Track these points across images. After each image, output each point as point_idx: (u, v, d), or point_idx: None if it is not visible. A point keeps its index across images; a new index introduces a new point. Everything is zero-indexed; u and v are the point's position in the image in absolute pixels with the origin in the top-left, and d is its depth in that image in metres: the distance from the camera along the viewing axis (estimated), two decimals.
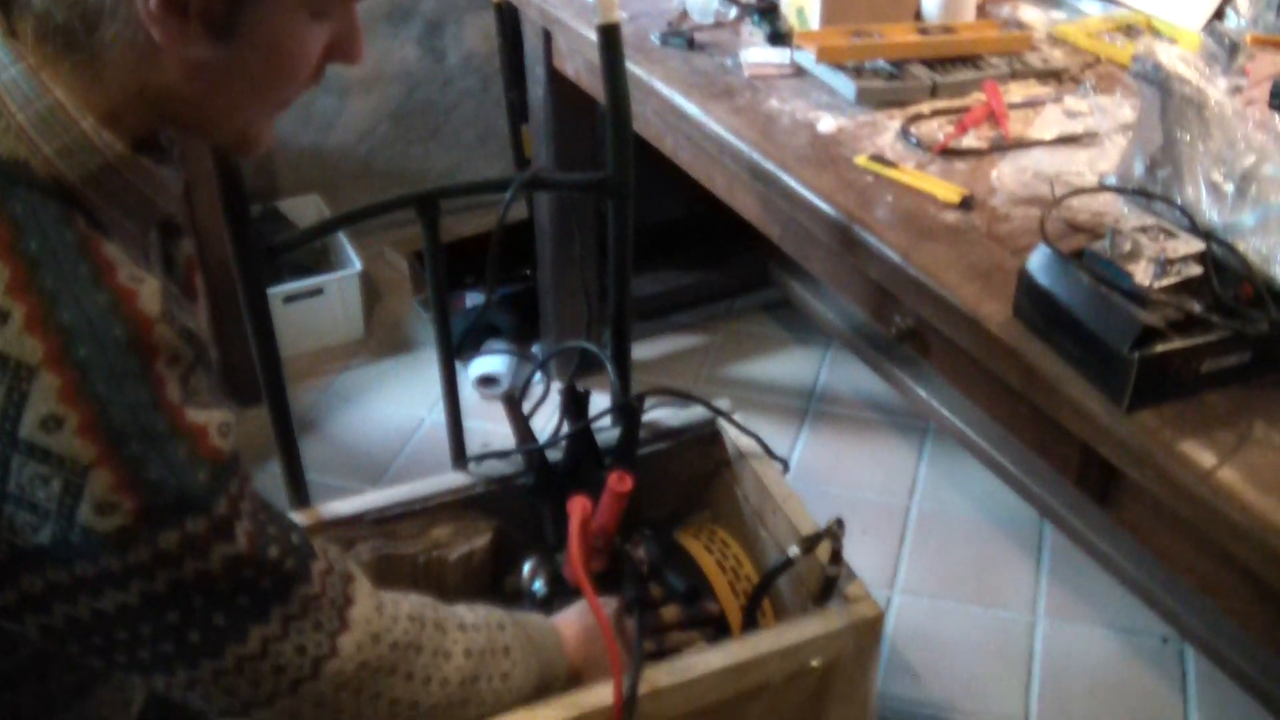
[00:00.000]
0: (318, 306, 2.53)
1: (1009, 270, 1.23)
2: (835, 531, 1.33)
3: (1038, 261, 1.13)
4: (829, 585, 1.35)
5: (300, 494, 1.48)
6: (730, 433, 1.59)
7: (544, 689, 1.17)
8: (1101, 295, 1.06)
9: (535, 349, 2.57)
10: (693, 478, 1.65)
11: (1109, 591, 1.96)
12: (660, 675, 1.27)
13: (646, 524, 1.61)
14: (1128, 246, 1.09)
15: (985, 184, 1.40)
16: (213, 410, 0.85)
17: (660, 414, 1.62)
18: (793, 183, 1.45)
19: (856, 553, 2.08)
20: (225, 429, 0.85)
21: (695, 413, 1.62)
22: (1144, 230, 1.10)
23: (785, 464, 1.57)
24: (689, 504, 1.68)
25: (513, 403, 1.52)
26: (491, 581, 1.56)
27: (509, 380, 2.47)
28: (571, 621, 1.27)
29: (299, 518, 1.46)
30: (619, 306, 1.51)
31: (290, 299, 2.49)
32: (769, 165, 1.49)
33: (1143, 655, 1.90)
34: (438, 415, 2.36)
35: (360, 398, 2.48)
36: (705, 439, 1.63)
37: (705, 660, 1.28)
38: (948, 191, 1.37)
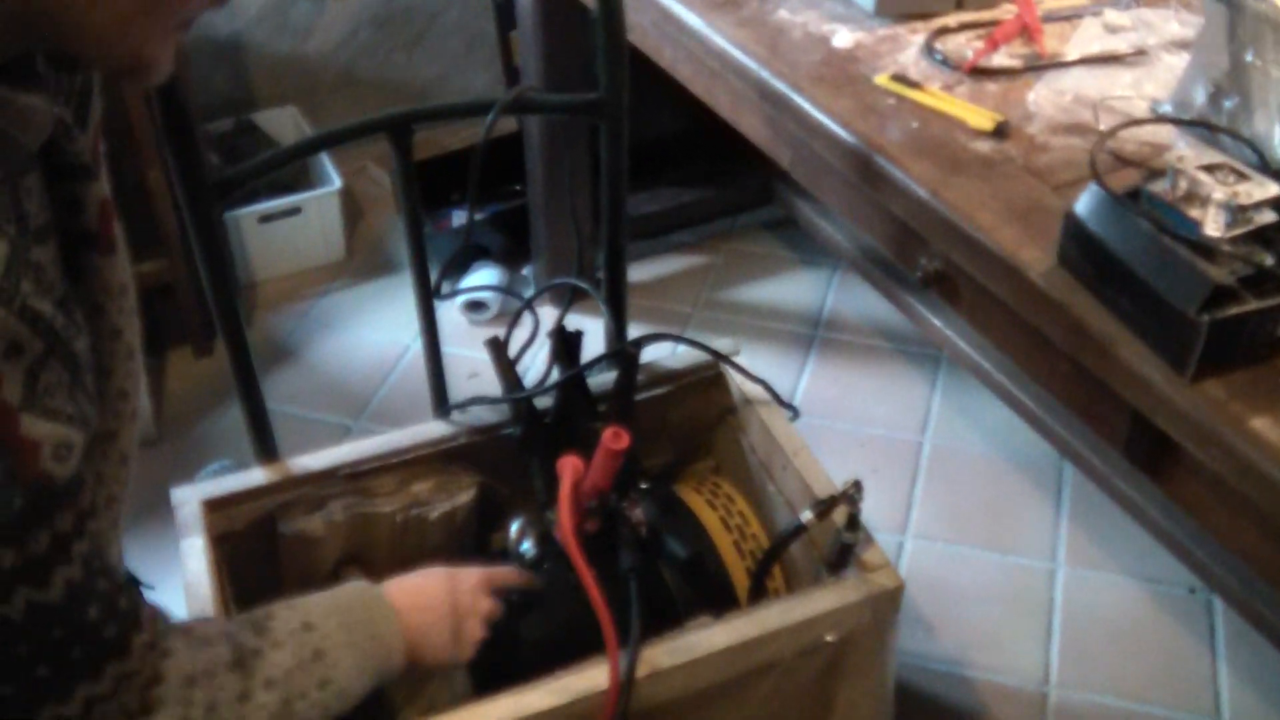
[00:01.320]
0: (296, 226, 2.38)
1: (1050, 210, 1.09)
2: (852, 495, 1.21)
3: (1088, 204, 0.99)
4: (844, 552, 1.24)
5: (266, 445, 1.35)
6: (735, 375, 1.47)
7: (380, 670, 1.02)
8: (1165, 247, 0.92)
9: (526, 271, 2.44)
10: (694, 423, 1.53)
11: (1133, 537, 1.85)
12: (660, 655, 1.16)
13: (644, 474, 1.49)
14: (1191, 188, 0.96)
15: (1020, 108, 1.26)
16: (58, 424, 0.70)
17: (659, 353, 1.49)
18: (805, 105, 1.30)
19: (866, 495, 1.97)
20: (64, 451, 0.71)
21: (697, 353, 1.49)
22: (1211, 170, 0.96)
23: (795, 410, 1.45)
24: (690, 451, 1.57)
25: (497, 347, 1.40)
26: (476, 540, 1.45)
27: (498, 305, 2.34)
28: (401, 583, 1.10)
29: (267, 473, 1.34)
30: (613, 242, 1.37)
31: (266, 219, 2.34)
32: (779, 85, 1.34)
33: (1168, 606, 1.79)
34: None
35: (341, 323, 2.35)
36: (708, 382, 1.51)
37: (709, 638, 1.17)
38: (979, 117, 1.22)
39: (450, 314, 2.33)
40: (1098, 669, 1.71)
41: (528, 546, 1.33)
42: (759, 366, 2.28)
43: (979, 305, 1.14)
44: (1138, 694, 1.68)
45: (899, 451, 2.06)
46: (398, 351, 2.29)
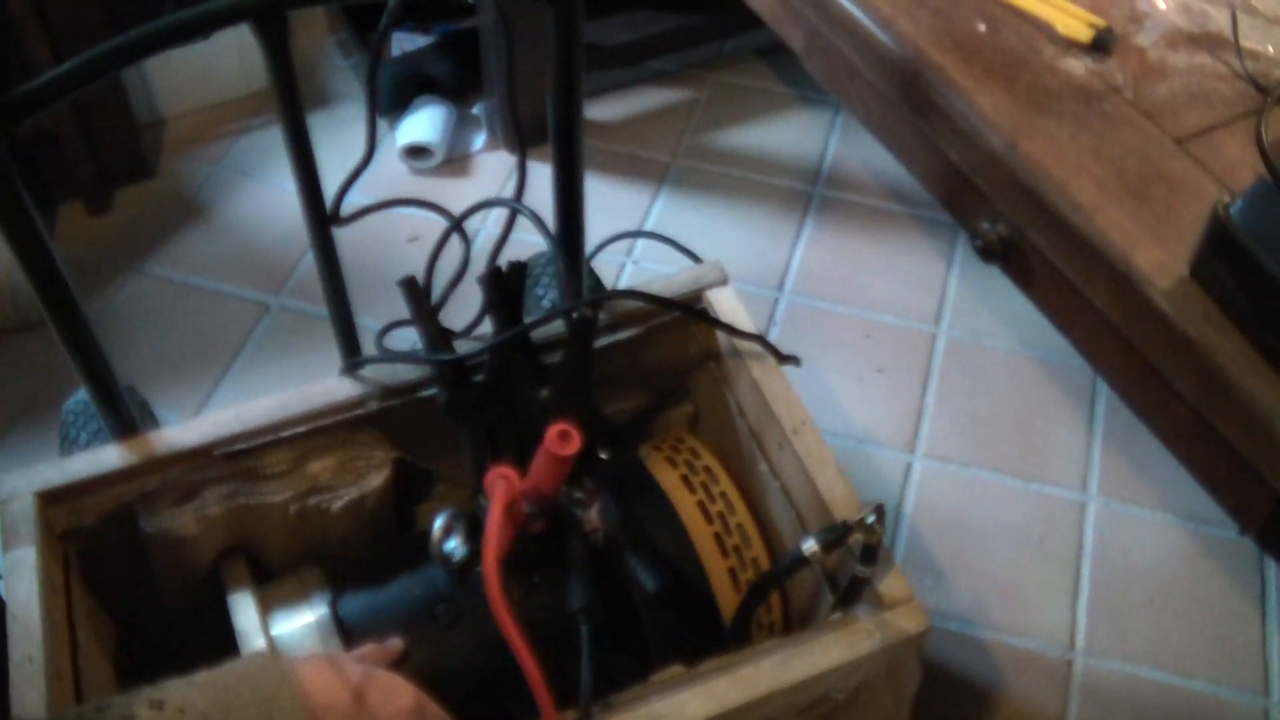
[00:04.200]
0: (207, 52, 2.01)
1: (1174, 178, 0.78)
2: (872, 526, 0.93)
3: (1252, 208, 0.68)
4: (857, 585, 0.97)
5: (119, 418, 1.05)
6: (721, 312, 1.16)
7: None
8: None
9: (477, 109, 2.08)
10: (670, 364, 1.24)
11: (1175, 466, 1.58)
12: None
13: (605, 430, 1.21)
14: None
15: (1126, 6, 0.92)
16: None
17: (617, 254, 1.19)
18: None
19: (870, 400, 1.69)
20: None
21: (675, 283, 1.19)
22: None
23: (796, 360, 1.16)
24: (664, 395, 1.27)
25: (414, 291, 1.09)
26: (395, 521, 1.17)
27: (444, 150, 2.00)
28: (318, 669, 0.83)
29: (122, 453, 1.04)
30: (566, 159, 1.04)
31: None
32: None
33: (1215, 552, 1.54)
34: (358, 195, 1.90)
35: (263, 170, 2.01)
36: (687, 320, 1.20)
37: (679, 707, 0.91)
38: (1071, 20, 0.89)
39: (389, 162, 1.99)
40: (1131, 632, 1.47)
41: (454, 545, 1.05)
42: (748, 232, 1.99)
43: (1061, 300, 0.83)
44: (1176, 664, 1.44)
45: (909, 345, 1.77)
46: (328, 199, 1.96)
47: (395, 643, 1.00)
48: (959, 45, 0.88)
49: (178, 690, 0.74)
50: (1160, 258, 0.74)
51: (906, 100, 0.89)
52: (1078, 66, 0.87)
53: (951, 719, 1.41)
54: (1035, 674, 1.44)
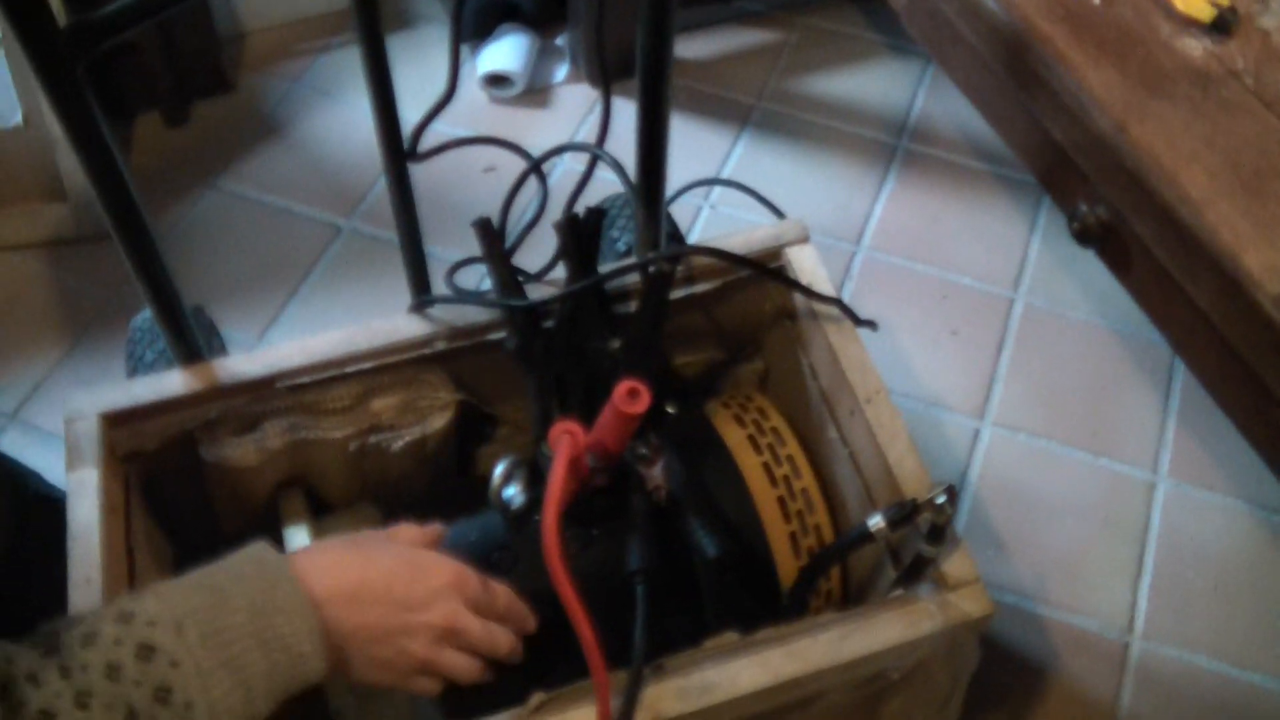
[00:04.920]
0: None
1: None
2: (942, 507, 0.91)
3: None
4: (921, 564, 0.95)
5: (184, 344, 1.04)
6: (800, 271, 1.14)
7: (283, 677, 0.72)
8: None
9: (560, 40, 2.05)
10: (745, 320, 1.22)
11: (1249, 453, 1.54)
12: (666, 697, 0.89)
13: (674, 383, 1.20)
14: None
15: None
16: None
17: (694, 201, 1.16)
18: None
19: (942, 363, 1.66)
20: None
21: (754, 239, 1.16)
22: None
23: (873, 325, 1.13)
24: (736, 348, 1.25)
25: (487, 233, 1.07)
26: (455, 463, 1.16)
27: (524, 80, 1.97)
28: (324, 554, 0.80)
29: (185, 379, 1.04)
30: (652, 96, 1.01)
31: None
32: None
33: None
34: (437, 123, 1.88)
35: (342, 90, 1.99)
36: (764, 277, 1.18)
37: (733, 678, 0.90)
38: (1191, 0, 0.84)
39: (469, 89, 1.96)
40: (1192, 619, 1.44)
41: (514, 493, 1.04)
42: (828, 182, 1.95)
43: (1159, 292, 0.80)
44: (1236, 656, 1.41)
45: (986, 309, 1.73)
46: (405, 130, 1.94)
47: (435, 527, 0.95)
48: (1070, 17, 0.84)
49: (153, 599, 0.70)
50: (1272, 259, 0.70)
51: (1011, 71, 0.85)
52: (1195, 47, 0.83)
53: (1002, 694, 1.39)
54: (1090, 655, 1.42)
